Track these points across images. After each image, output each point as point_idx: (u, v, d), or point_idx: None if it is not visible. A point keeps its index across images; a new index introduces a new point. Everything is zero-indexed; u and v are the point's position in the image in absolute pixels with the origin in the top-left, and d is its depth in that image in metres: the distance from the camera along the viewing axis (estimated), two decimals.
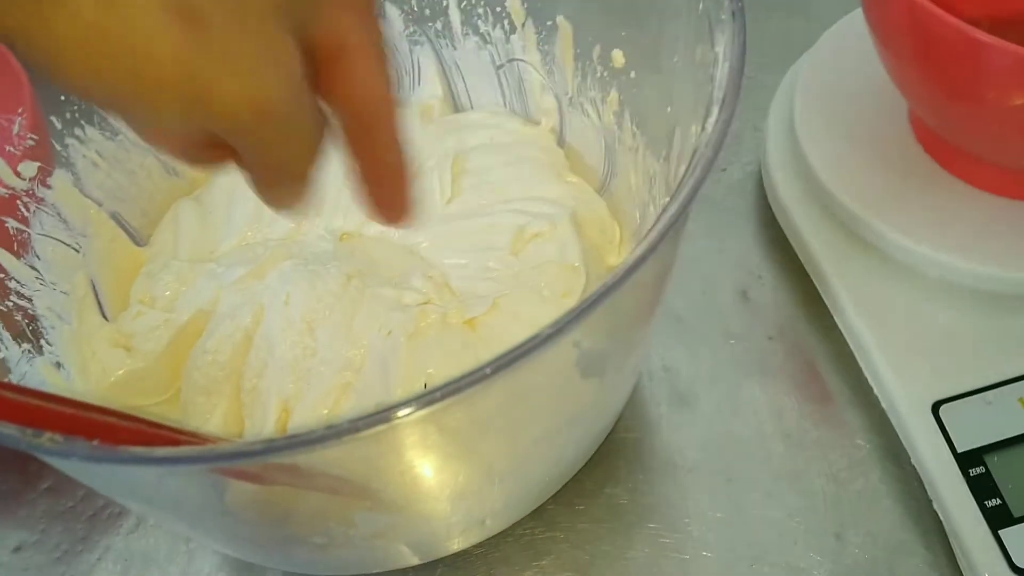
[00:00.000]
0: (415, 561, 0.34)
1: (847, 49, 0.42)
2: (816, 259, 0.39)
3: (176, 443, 0.25)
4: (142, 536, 0.37)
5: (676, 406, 0.38)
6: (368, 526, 0.27)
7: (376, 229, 0.39)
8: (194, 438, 0.27)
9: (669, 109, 0.32)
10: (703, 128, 0.25)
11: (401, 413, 0.20)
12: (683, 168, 0.30)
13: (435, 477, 0.27)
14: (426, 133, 0.41)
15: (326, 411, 0.34)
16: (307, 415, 0.33)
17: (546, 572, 0.35)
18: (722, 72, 0.26)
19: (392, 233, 0.38)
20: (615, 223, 0.39)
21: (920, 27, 0.32)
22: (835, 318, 0.39)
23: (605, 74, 0.37)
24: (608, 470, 0.37)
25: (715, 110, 0.25)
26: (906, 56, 0.35)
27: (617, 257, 0.38)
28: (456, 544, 0.33)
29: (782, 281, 0.42)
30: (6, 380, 0.30)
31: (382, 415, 0.20)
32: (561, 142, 0.41)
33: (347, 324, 0.34)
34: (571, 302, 0.35)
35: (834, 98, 0.42)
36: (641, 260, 0.21)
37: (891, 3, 0.33)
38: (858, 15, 0.42)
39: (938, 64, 0.33)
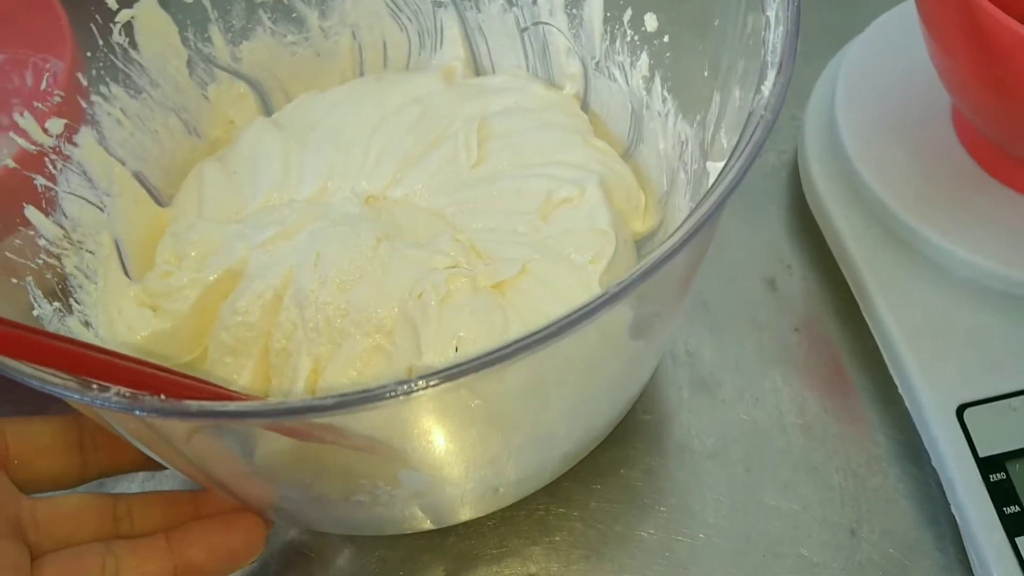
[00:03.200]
0: (430, 526, 0.34)
1: (893, 42, 0.42)
2: (848, 252, 0.39)
3: (228, 398, 0.26)
4: (159, 485, 0.37)
5: (697, 391, 0.38)
6: (412, 485, 0.27)
7: (402, 192, 0.38)
8: (238, 395, 0.28)
9: (706, 73, 0.32)
10: (758, 92, 0.25)
11: (467, 368, 0.20)
12: (722, 133, 0.31)
13: (474, 441, 0.27)
14: (450, 95, 0.40)
15: (356, 373, 0.34)
16: (337, 377, 0.34)
17: (558, 548, 0.35)
18: (776, 36, 0.26)
19: (418, 197, 0.38)
20: (640, 189, 0.39)
21: (973, 24, 0.31)
22: (863, 313, 0.38)
23: (636, 38, 0.37)
24: (625, 451, 0.37)
25: (771, 74, 0.25)
26: (956, 53, 0.34)
27: (643, 224, 0.38)
28: (482, 507, 0.34)
29: (811, 272, 0.41)
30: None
31: (458, 369, 0.20)
32: (585, 108, 0.41)
33: (378, 285, 0.34)
34: (600, 268, 0.35)
35: (877, 91, 0.41)
36: (707, 217, 0.21)
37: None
38: (905, 8, 0.42)
39: (989, 62, 0.32)
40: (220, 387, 0.26)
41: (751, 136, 0.24)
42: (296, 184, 0.38)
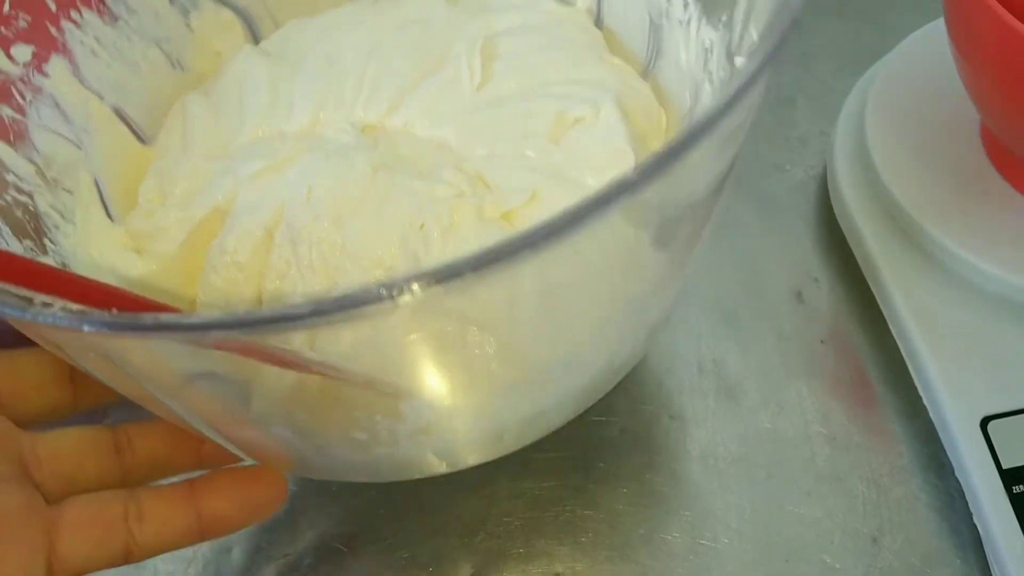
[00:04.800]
0: (443, 469, 0.31)
1: (924, 59, 0.43)
2: (875, 266, 0.39)
3: None
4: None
5: (723, 400, 0.38)
6: (416, 418, 0.25)
7: (401, 120, 0.35)
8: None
9: None
10: None
11: (465, 267, 0.17)
12: (751, 27, 0.27)
13: (480, 367, 0.25)
14: (451, 15, 0.37)
15: None
16: None
17: (584, 549, 0.35)
18: None
19: (418, 125, 0.35)
20: (660, 108, 0.35)
21: (1001, 43, 0.31)
22: (889, 326, 0.38)
23: None
24: (650, 456, 0.38)
25: None
26: (984, 71, 0.35)
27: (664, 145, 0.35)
28: (495, 448, 0.31)
29: (838, 285, 0.42)
30: None
31: (455, 267, 0.17)
32: (599, 23, 0.38)
33: (376, 218, 0.32)
34: None
35: (907, 108, 0.42)
36: (745, 86, 0.18)
37: (975, 18, 0.32)
38: (935, 27, 0.43)
39: (1017, 81, 0.32)
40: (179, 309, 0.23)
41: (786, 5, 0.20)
42: (285, 115, 0.36)
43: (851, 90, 0.44)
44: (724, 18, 0.30)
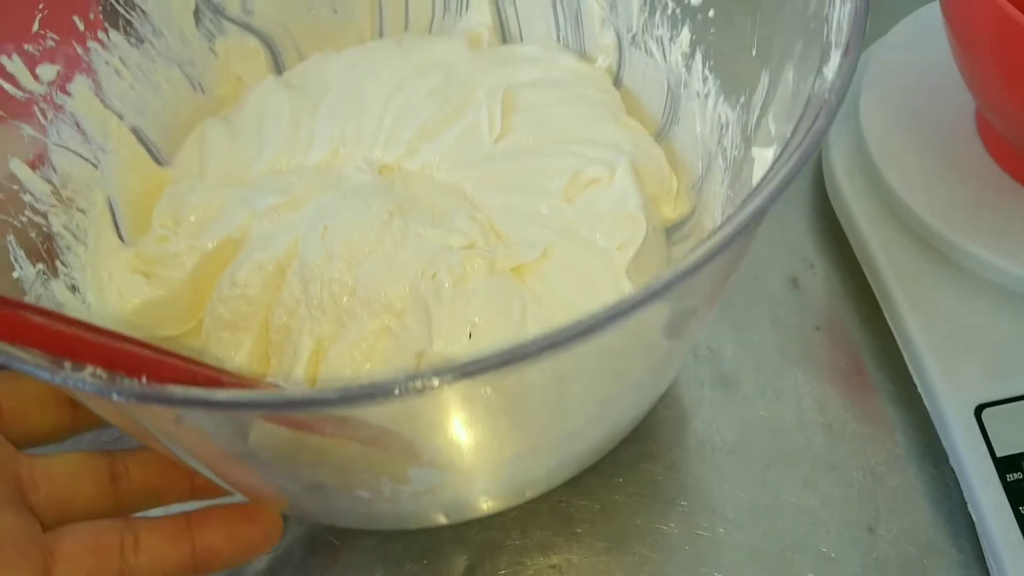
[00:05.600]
0: (443, 522, 0.32)
1: (918, 43, 0.42)
2: (871, 253, 0.38)
3: (218, 383, 0.23)
4: None
5: (719, 388, 0.38)
6: (422, 482, 0.25)
7: (418, 163, 0.36)
8: (231, 377, 0.25)
9: (754, 53, 0.30)
10: (819, 75, 0.23)
11: (486, 365, 0.18)
12: (770, 117, 0.28)
13: (491, 438, 0.25)
14: (474, 62, 0.38)
15: (360, 356, 0.32)
16: (342, 358, 0.31)
17: (580, 540, 0.35)
18: (842, 14, 0.23)
19: (435, 169, 0.36)
20: (673, 173, 0.36)
21: (997, 28, 0.31)
22: (885, 313, 0.38)
23: (677, 11, 0.34)
24: (647, 446, 0.37)
25: (836, 55, 0.22)
26: (980, 56, 0.34)
27: (673, 210, 0.36)
28: (497, 504, 0.32)
29: (833, 272, 0.41)
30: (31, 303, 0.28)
31: (476, 365, 0.17)
32: (617, 83, 0.38)
33: (389, 263, 0.32)
34: (628, 255, 0.33)
35: (902, 93, 0.41)
36: (760, 210, 0.19)
37: (970, 4, 0.32)
38: (930, 9, 0.42)
39: (1013, 66, 0.32)
40: (210, 368, 0.24)
41: (813, 122, 0.21)
42: (305, 149, 0.36)
43: None
44: (742, 99, 0.31)
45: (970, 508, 0.34)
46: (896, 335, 0.37)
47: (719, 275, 0.23)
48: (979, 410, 0.35)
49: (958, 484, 0.34)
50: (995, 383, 0.35)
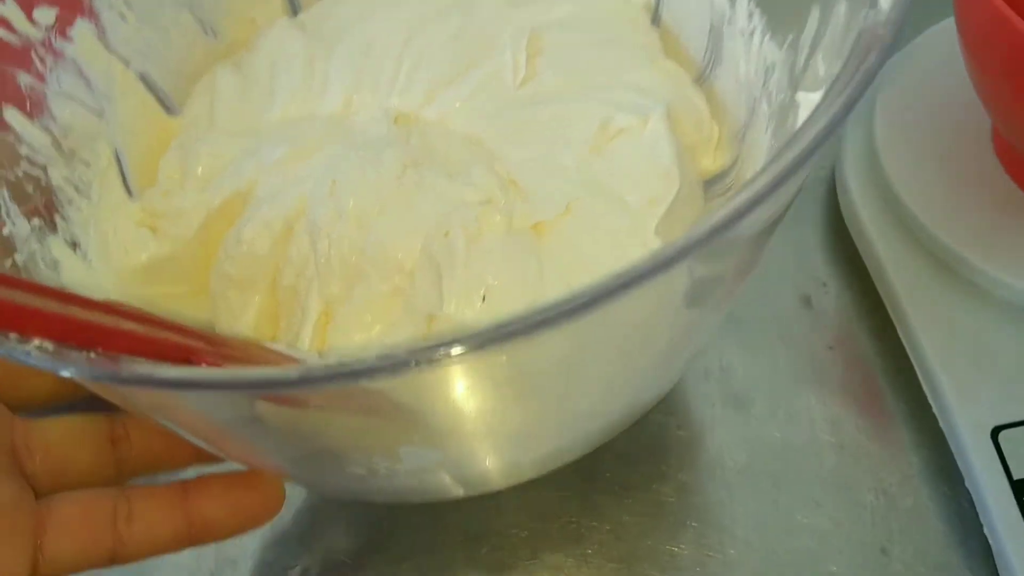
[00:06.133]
0: (460, 493, 0.30)
1: (934, 60, 0.41)
2: (885, 272, 0.38)
3: (187, 353, 0.21)
4: None
5: (730, 407, 0.38)
6: (413, 461, 0.23)
7: (436, 112, 0.34)
8: (224, 347, 0.24)
9: None
10: (872, 5, 0.19)
11: (496, 336, 0.16)
12: (819, 58, 0.25)
13: (491, 414, 0.23)
14: (496, 2, 0.35)
15: (370, 317, 0.30)
16: (351, 320, 0.30)
17: (590, 560, 0.35)
18: None
19: (455, 119, 0.33)
20: (713, 120, 0.33)
21: (1011, 45, 0.30)
22: (899, 333, 0.37)
23: None
24: (657, 466, 0.37)
25: None
26: (994, 73, 0.33)
27: (713, 161, 0.33)
28: (501, 484, 0.30)
29: (846, 291, 0.40)
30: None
31: (485, 336, 0.15)
32: (656, 20, 0.35)
33: (400, 220, 0.30)
34: (658, 211, 0.30)
35: (917, 110, 0.40)
36: (800, 161, 0.16)
37: (984, 21, 0.31)
38: (945, 26, 0.42)
39: None
40: (192, 338, 0.22)
41: (862, 60, 0.18)
42: (319, 95, 0.34)
43: None
44: (790, 38, 0.28)
45: (986, 531, 0.33)
46: (910, 354, 0.37)
47: (748, 239, 0.20)
48: (995, 432, 0.34)
49: (973, 505, 0.34)
50: (1012, 404, 0.35)
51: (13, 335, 0.17)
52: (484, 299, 0.28)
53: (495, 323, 0.16)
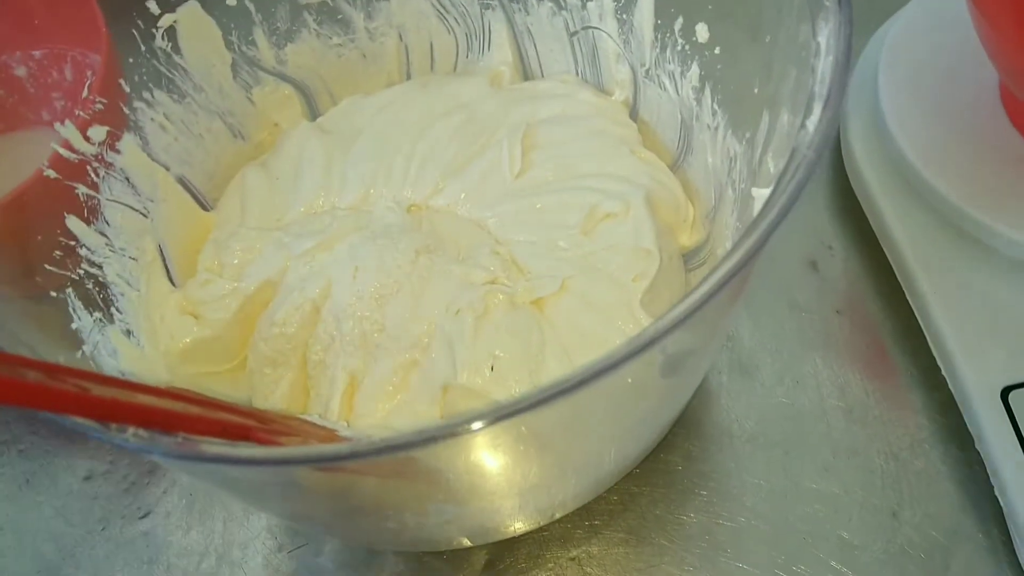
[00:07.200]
0: (467, 544, 0.34)
1: (939, 15, 0.40)
2: (892, 233, 0.37)
3: (245, 432, 0.25)
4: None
5: (737, 375, 0.38)
6: (439, 515, 0.27)
7: (445, 201, 0.38)
8: (272, 422, 0.27)
9: (756, 90, 0.31)
10: (803, 126, 0.24)
11: (491, 418, 0.20)
12: (769, 156, 0.29)
13: (503, 474, 0.27)
14: (495, 101, 0.39)
15: (391, 387, 0.34)
16: (374, 391, 0.33)
17: (598, 531, 0.35)
18: (825, 65, 0.24)
19: (460, 206, 0.38)
20: (689, 202, 0.37)
21: None
22: (907, 295, 0.37)
23: (687, 47, 0.35)
24: (664, 436, 0.36)
25: (817, 108, 0.23)
26: (1003, 26, 0.33)
27: (690, 238, 0.37)
28: (515, 530, 0.33)
29: (853, 254, 0.40)
30: (85, 369, 0.30)
31: (485, 415, 0.19)
32: (634, 115, 0.40)
33: (415, 301, 0.34)
34: (643, 285, 0.34)
35: (922, 69, 0.39)
36: (744, 262, 0.20)
37: None
38: None
39: None
40: (246, 411, 0.26)
41: (792, 175, 0.22)
42: (339, 190, 0.38)
43: (863, 50, 0.42)
44: (748, 135, 0.32)
45: (997, 493, 0.33)
46: (918, 317, 0.36)
47: (707, 322, 0.24)
48: (1005, 392, 0.33)
49: (984, 468, 0.33)
50: (1022, 364, 0.34)
51: (113, 426, 0.21)
52: (492, 369, 0.32)
53: (508, 401, 0.20)
